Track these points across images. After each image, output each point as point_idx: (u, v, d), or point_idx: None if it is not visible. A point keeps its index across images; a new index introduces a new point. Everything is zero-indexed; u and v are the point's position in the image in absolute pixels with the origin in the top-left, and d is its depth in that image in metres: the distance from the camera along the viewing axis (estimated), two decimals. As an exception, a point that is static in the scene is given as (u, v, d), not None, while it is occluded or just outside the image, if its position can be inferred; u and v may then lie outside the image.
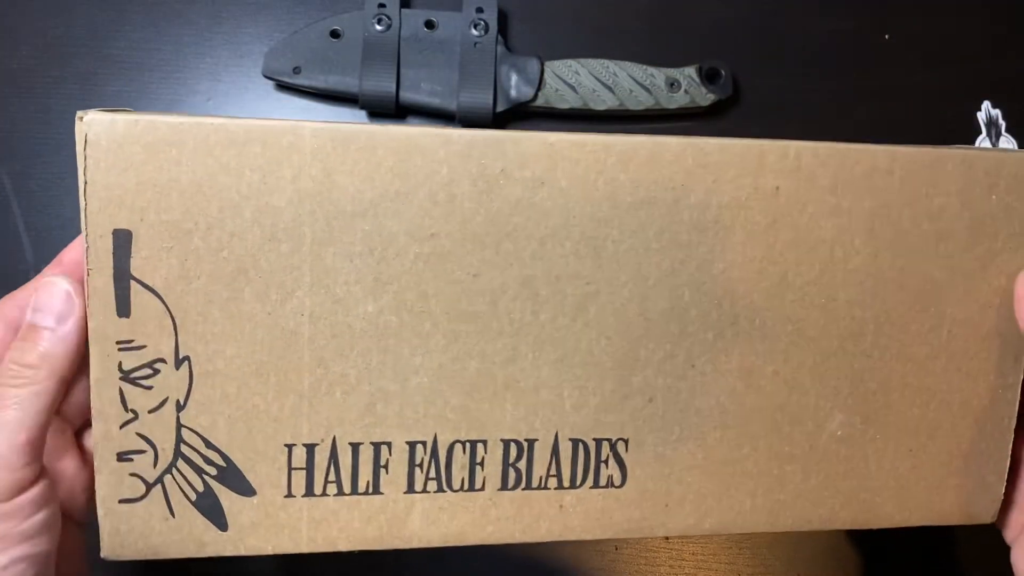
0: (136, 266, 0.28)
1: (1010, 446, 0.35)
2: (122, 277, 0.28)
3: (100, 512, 0.29)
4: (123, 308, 0.28)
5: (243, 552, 0.29)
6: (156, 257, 0.28)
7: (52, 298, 0.28)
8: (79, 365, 0.28)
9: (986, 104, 0.45)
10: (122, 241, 0.28)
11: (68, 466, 0.31)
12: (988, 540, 0.44)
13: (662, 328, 0.31)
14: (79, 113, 0.27)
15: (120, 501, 0.29)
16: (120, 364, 0.28)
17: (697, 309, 0.31)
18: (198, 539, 0.29)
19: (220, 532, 0.29)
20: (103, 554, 0.29)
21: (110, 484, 0.29)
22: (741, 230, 0.31)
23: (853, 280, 0.32)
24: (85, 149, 0.27)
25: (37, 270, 0.44)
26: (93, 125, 0.27)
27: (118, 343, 0.28)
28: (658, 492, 0.32)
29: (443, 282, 0.29)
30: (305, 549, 0.30)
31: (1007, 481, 0.35)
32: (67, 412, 0.31)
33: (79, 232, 0.45)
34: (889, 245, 0.32)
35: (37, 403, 0.27)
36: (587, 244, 0.30)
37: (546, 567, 0.44)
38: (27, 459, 0.26)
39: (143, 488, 0.29)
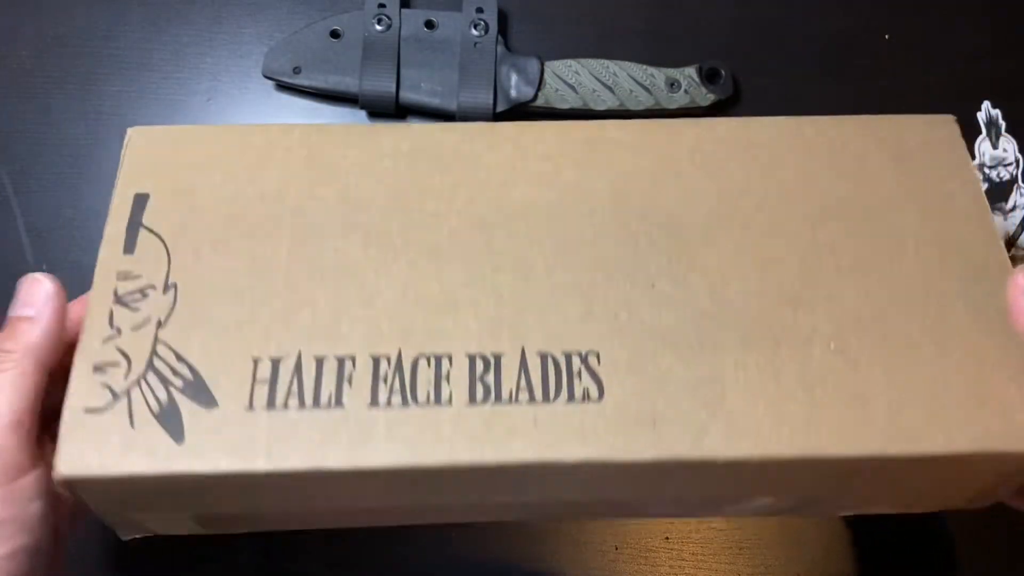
0: (147, 218, 0.33)
1: None
2: (134, 225, 0.32)
3: (63, 428, 0.29)
4: (130, 247, 0.32)
5: (196, 468, 0.29)
6: (165, 211, 0.33)
7: (32, 293, 0.30)
8: (60, 355, 0.30)
9: (986, 104, 0.45)
10: (140, 201, 0.33)
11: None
12: (991, 542, 0.44)
13: (614, 253, 0.33)
14: (128, 129, 0.35)
15: (85, 411, 0.29)
16: (115, 290, 0.31)
17: (645, 235, 0.33)
18: (152, 451, 0.29)
19: (175, 445, 0.29)
20: (57, 472, 0.28)
21: (80, 393, 0.30)
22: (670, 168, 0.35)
23: (800, 197, 0.34)
24: (126, 148, 0.34)
25: (37, 270, 0.45)
26: (134, 135, 0.35)
27: (118, 272, 0.32)
28: (642, 409, 0.30)
29: (406, 222, 0.33)
30: (260, 467, 0.29)
31: None
32: None
33: (79, 232, 0.45)
34: (826, 167, 0.34)
35: (20, 386, 0.29)
36: (534, 179, 0.34)
37: (546, 567, 0.44)
38: (17, 441, 0.28)
39: (109, 397, 0.30)
